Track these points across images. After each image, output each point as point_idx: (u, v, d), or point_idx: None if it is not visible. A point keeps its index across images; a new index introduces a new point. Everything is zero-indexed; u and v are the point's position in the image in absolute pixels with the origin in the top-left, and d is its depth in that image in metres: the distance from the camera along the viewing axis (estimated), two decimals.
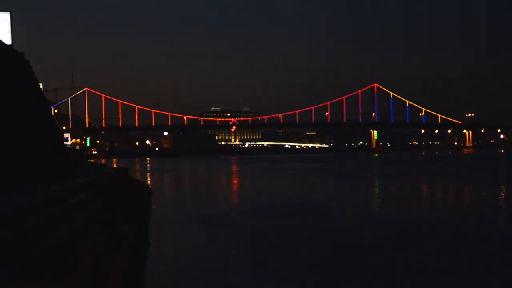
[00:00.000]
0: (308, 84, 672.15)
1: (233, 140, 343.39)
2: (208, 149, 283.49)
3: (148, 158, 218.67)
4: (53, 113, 75.20)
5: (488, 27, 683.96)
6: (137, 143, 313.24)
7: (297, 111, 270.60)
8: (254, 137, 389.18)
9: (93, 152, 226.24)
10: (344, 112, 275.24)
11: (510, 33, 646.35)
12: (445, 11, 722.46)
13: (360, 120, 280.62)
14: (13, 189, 16.93)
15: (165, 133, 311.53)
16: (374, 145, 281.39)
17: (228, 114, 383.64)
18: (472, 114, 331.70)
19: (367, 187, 54.92)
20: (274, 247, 21.59)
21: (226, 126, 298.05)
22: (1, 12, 35.01)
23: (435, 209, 34.32)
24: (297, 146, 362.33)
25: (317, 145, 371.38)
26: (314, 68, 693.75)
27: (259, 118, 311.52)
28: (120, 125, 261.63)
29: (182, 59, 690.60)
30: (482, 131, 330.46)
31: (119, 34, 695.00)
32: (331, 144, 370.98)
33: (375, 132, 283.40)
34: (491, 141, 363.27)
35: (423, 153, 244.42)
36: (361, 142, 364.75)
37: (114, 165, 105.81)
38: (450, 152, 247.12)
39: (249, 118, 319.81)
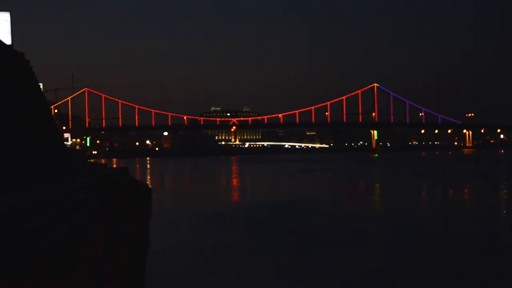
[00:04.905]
0: (308, 84, 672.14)
1: (233, 140, 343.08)
2: (208, 149, 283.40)
3: (148, 158, 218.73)
4: (53, 113, 75.24)
5: (486, 27, 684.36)
6: (137, 143, 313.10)
7: (297, 111, 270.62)
8: (254, 137, 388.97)
9: (93, 152, 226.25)
10: (344, 112, 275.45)
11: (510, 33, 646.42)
12: (444, 11, 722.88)
13: (360, 120, 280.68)
14: (13, 189, 16.92)
15: (165, 133, 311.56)
16: (374, 145, 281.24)
17: (228, 114, 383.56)
18: (472, 114, 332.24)
19: (366, 187, 54.93)
20: (274, 245, 21.59)
21: (226, 126, 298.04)
22: (1, 12, 34.97)
23: (434, 210, 34.31)
24: (297, 146, 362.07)
25: (317, 145, 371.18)
26: (315, 68, 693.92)
27: (259, 118, 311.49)
28: (120, 125, 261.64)
29: (182, 59, 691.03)
30: (482, 131, 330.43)
31: (119, 34, 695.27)
32: (331, 144, 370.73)
33: (375, 132, 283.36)
34: (491, 141, 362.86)
35: (423, 153, 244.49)
36: (361, 142, 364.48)
37: (114, 165, 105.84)
38: (450, 152, 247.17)
39: (249, 118, 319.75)
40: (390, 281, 16.09)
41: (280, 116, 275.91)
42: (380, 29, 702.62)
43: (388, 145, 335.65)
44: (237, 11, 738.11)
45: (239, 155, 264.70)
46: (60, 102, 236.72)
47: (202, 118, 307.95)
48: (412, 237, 23.57)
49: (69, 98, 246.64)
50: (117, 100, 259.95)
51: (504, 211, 33.09)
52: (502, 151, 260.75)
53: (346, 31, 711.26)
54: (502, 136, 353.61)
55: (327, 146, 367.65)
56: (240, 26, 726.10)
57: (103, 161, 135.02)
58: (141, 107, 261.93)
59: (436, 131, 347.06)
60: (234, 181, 69.24)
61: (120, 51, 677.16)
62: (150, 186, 51.87)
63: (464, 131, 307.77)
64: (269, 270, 17.74)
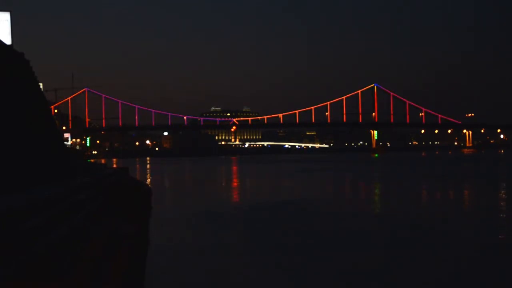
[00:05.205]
0: (308, 84, 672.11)
1: (233, 140, 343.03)
2: (208, 149, 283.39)
3: (148, 158, 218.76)
4: (53, 113, 75.20)
5: (486, 27, 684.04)
6: (137, 143, 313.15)
7: (297, 111, 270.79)
8: (254, 137, 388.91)
9: (93, 152, 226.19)
10: (344, 112, 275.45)
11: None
12: (444, 11, 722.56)
13: (360, 120, 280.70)
14: (13, 189, 16.91)
15: (165, 133, 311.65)
16: (374, 145, 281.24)
17: (228, 114, 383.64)
18: (472, 114, 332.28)
19: (366, 187, 54.91)
20: (274, 245, 21.58)
21: (226, 126, 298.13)
22: (1, 12, 34.97)
23: (434, 210, 34.30)
24: (297, 146, 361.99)
25: (317, 145, 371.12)
26: (315, 68, 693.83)
27: (259, 118, 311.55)
28: (120, 125, 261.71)
29: (182, 59, 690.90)
30: (482, 131, 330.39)
31: (119, 34, 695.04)
32: (331, 144, 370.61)
33: (375, 132, 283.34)
34: (491, 141, 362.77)
35: (423, 153, 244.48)
36: (361, 142, 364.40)
37: (114, 165, 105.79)
38: (450, 152, 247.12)
39: (249, 118, 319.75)
40: (390, 281, 16.09)
41: (280, 116, 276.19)
42: (380, 29, 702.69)
43: (388, 145, 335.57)
44: (237, 11, 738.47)
45: (239, 155, 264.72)
46: (60, 102, 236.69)
47: (202, 118, 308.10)
48: (412, 237, 23.57)
49: (69, 98, 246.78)
50: (117, 100, 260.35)
51: (504, 211, 33.08)
52: (502, 151, 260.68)
53: (346, 31, 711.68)
54: (502, 136, 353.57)
55: (327, 146, 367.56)
56: (240, 26, 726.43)
57: (103, 161, 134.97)
58: (141, 107, 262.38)
59: (436, 131, 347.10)
60: (234, 181, 69.22)
61: (120, 51, 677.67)
62: (150, 186, 51.83)
63: (464, 131, 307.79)
64: (269, 270, 17.74)
